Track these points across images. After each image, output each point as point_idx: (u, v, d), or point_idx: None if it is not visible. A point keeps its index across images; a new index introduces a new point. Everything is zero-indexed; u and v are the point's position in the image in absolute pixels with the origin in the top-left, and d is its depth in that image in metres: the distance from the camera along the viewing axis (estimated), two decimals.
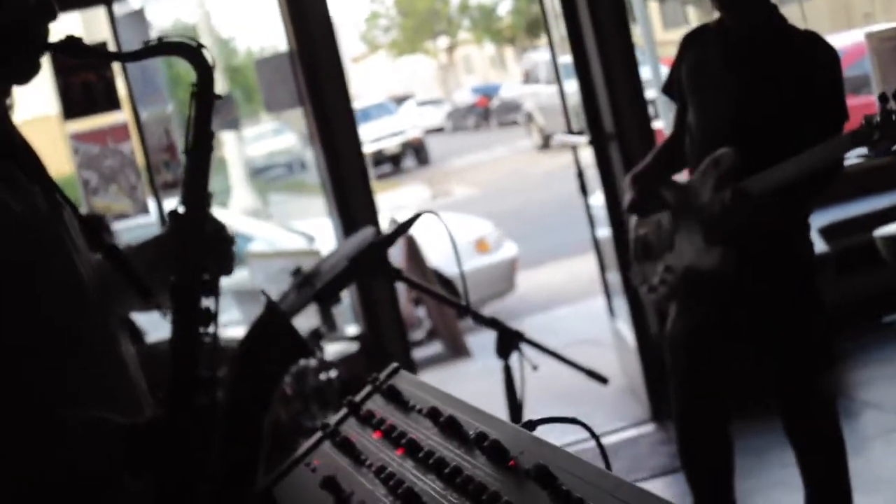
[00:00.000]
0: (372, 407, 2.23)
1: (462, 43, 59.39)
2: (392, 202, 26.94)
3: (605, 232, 7.55)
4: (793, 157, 4.38)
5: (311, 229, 11.23)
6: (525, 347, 3.89)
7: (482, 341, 11.28)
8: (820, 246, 7.42)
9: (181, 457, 2.58)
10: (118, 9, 7.13)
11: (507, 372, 3.81)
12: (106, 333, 2.68)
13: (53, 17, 2.64)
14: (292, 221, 14.54)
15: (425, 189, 28.91)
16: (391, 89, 52.44)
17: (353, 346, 5.26)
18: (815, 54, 4.60)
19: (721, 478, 5.09)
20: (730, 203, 4.45)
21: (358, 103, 36.27)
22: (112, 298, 2.75)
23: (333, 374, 5.05)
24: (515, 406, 3.85)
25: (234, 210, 20.82)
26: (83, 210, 6.71)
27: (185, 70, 2.72)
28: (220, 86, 17.87)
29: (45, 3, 2.64)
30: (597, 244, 8.05)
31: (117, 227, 9.55)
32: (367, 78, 57.86)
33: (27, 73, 2.65)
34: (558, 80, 7.99)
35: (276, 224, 14.77)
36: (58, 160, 6.84)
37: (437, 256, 11.26)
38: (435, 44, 58.72)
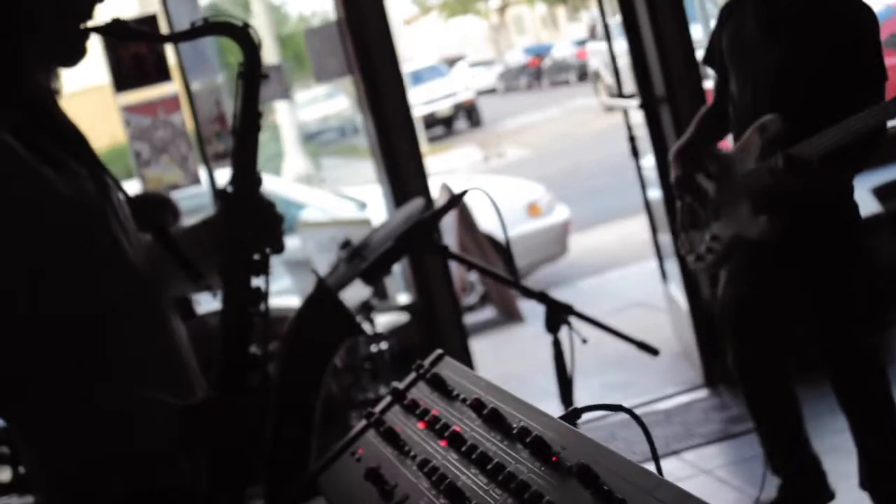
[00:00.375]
0: (416, 395, 2.23)
1: (513, 3, 59.16)
2: (444, 165, 26.93)
3: (656, 194, 7.51)
4: (837, 121, 4.33)
5: (364, 195, 11.22)
6: (574, 320, 3.87)
7: (535, 306, 11.23)
8: (874, 206, 7.36)
9: (234, 437, 2.60)
10: None
11: (557, 346, 3.80)
12: (157, 314, 2.70)
13: (100, 0, 2.65)
14: (344, 187, 14.55)
15: (477, 151, 28.85)
16: (443, 51, 52.33)
17: (403, 317, 5.27)
18: (853, 17, 4.58)
19: (793, 431, 5.15)
20: (781, 169, 4.43)
21: (410, 66, 36.26)
22: (163, 279, 2.77)
23: (384, 346, 5.06)
24: (565, 381, 3.84)
25: (286, 176, 20.82)
26: (141, 187, 6.76)
27: (230, 44, 2.73)
28: (272, 54, 17.84)
29: None
30: (648, 207, 8.01)
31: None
32: (418, 40, 57.76)
33: (74, 56, 2.66)
34: (608, 41, 7.93)
35: (328, 190, 14.78)
36: (112, 130, 6.89)
37: (490, 221, 11.25)
38: (486, 4, 58.54)
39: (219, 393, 2.65)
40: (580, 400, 7.28)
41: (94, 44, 2.72)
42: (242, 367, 2.66)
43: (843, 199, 4.79)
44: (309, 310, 2.95)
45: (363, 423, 2.31)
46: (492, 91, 45.52)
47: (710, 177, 4.90)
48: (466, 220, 10.34)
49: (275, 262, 2.84)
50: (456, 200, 3.62)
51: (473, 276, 11.07)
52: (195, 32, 2.74)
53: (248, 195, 2.73)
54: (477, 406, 2.00)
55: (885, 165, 7.96)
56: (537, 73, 44.33)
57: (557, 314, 3.74)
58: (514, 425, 1.86)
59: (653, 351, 4.01)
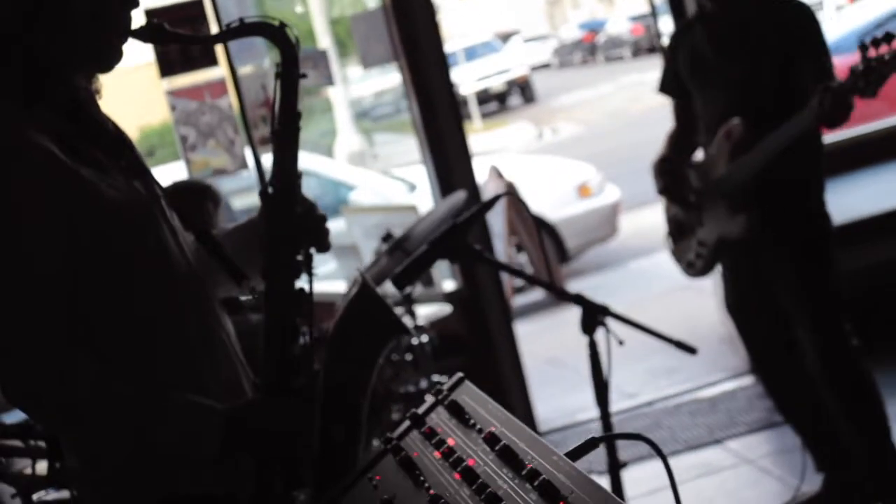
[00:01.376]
0: (434, 422, 2.24)
1: None
2: (497, 141, 26.87)
3: None
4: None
5: (413, 176, 11.22)
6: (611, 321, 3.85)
7: (584, 286, 11.22)
8: None
9: (280, 440, 2.61)
10: None
11: (593, 348, 3.77)
12: (204, 315, 2.71)
13: (135, 5, 2.66)
14: (396, 168, 14.53)
15: (531, 127, 28.77)
16: (497, 26, 52.19)
17: (446, 308, 5.25)
18: (796, 18, 4.82)
19: (819, 417, 5.20)
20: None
21: (463, 42, 36.15)
22: (210, 280, 2.78)
23: (425, 338, 5.06)
24: (601, 384, 3.82)
25: (339, 153, 20.83)
26: (186, 171, 6.78)
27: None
28: (324, 34, 17.78)
29: None
30: None
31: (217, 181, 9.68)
32: (473, 15, 57.60)
33: (110, 60, 2.68)
34: (654, 22, 7.89)
35: (380, 170, 14.77)
36: (160, 109, 6.90)
37: (538, 202, 11.23)
38: None
39: (263, 396, 2.66)
40: (626, 385, 7.29)
41: (138, 20, 2.72)
42: (287, 370, 2.66)
43: (811, 192, 4.96)
44: (353, 310, 2.94)
45: (382, 447, 2.30)
46: (546, 66, 45.34)
47: (689, 187, 5.08)
48: (515, 201, 10.32)
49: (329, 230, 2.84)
50: (489, 205, 3.61)
51: (522, 258, 11.05)
52: (231, 33, 2.75)
53: (289, 196, 2.74)
54: (491, 440, 2.00)
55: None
56: (592, 49, 44.10)
57: (593, 316, 3.72)
58: (527, 463, 1.86)
59: (690, 350, 3.99)
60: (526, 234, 10.44)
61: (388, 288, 4.87)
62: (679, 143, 5.24)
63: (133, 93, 10.50)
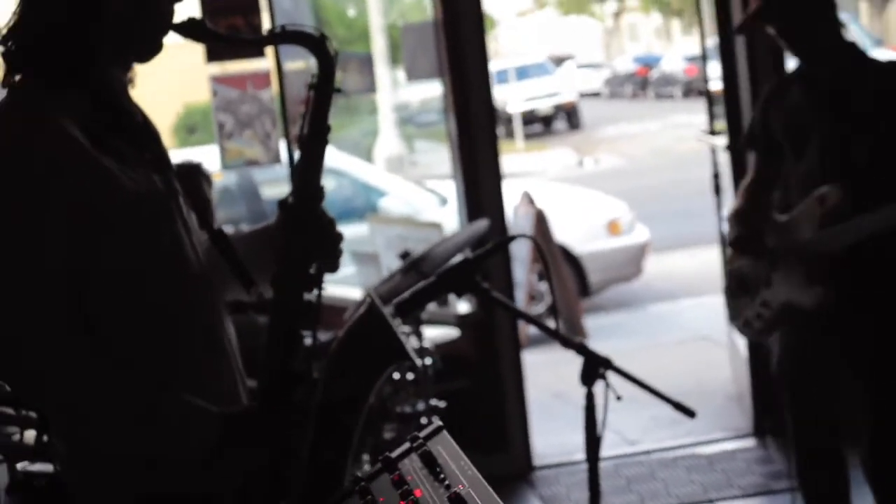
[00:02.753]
0: (406, 468, 2.21)
1: (629, 10, 58.90)
2: (538, 164, 26.86)
3: None
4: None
5: (447, 189, 11.23)
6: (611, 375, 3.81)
7: (601, 323, 11.24)
8: None
9: (271, 449, 2.59)
10: None
11: (590, 400, 3.73)
12: (209, 316, 2.70)
13: None
14: (430, 179, 14.52)
15: (572, 154, 28.76)
16: (553, 48, 52.20)
17: (453, 332, 5.22)
18: None
19: (837, 498, 5.07)
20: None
21: (517, 60, 36.16)
22: (219, 282, 2.76)
23: (429, 361, 5.03)
24: (593, 438, 3.78)
25: (377, 155, 20.85)
26: (220, 158, 6.77)
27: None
28: (380, 36, 17.78)
29: None
30: (723, 241, 7.91)
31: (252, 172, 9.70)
32: (529, 34, 57.68)
33: (149, 52, 2.67)
34: (703, 67, 7.84)
35: (414, 179, 14.78)
36: (207, 89, 6.91)
37: (566, 233, 11.21)
38: (602, 7, 58.31)
39: (260, 404, 2.64)
40: (628, 430, 7.25)
41: (193, 4, 2.72)
42: (286, 381, 2.64)
43: None
44: (358, 330, 2.92)
45: (350, 487, 2.28)
46: (596, 94, 45.34)
47: (763, 243, 4.88)
48: (543, 230, 10.30)
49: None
50: (503, 244, 3.58)
51: (543, 287, 11.02)
52: (273, 39, 2.76)
53: (310, 209, 2.72)
54: (455, 500, 1.98)
55: None
56: (643, 83, 44.07)
57: (594, 367, 3.68)
58: None
59: (689, 413, 3.94)
60: (550, 262, 10.40)
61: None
62: (756, 198, 5.02)
63: (182, 68, 10.52)
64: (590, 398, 3.73)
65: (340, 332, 2.98)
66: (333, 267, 2.79)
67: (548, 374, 8.80)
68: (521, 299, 9.63)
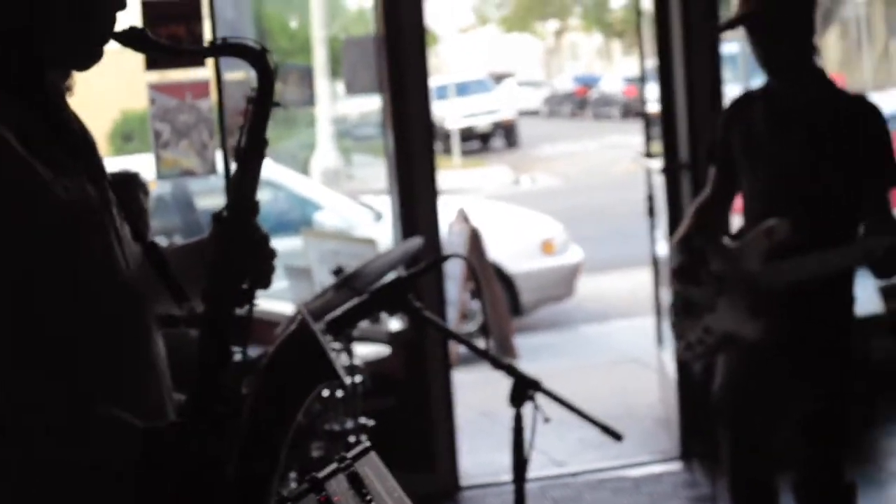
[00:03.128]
0: (332, 489, 2.22)
1: (571, 29, 59.12)
2: (473, 181, 26.90)
3: (665, 252, 7.44)
4: (846, 225, 4.49)
5: (383, 204, 11.24)
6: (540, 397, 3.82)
7: (532, 343, 11.27)
8: (877, 306, 7.34)
9: (195, 465, 2.57)
10: None
11: (518, 422, 3.74)
12: (138, 329, 2.68)
13: (122, 6, 2.64)
14: (367, 193, 14.51)
15: (509, 172, 28.83)
16: (493, 65, 52.32)
17: (385, 350, 5.21)
18: (865, 119, 4.65)
19: None
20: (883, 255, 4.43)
21: (457, 76, 36.21)
22: (151, 295, 2.75)
23: (359, 378, 5.02)
24: (520, 460, 3.79)
25: (314, 167, 20.83)
26: (155, 167, 6.73)
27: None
28: (321, 47, 17.75)
29: None
30: (656, 265, 7.95)
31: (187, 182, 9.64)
32: (471, 50, 57.79)
33: (88, 60, 2.65)
34: (641, 89, 7.88)
35: (351, 192, 14.78)
36: (139, 95, 6.88)
37: (500, 251, 11.24)
38: (544, 26, 58.49)
39: (186, 419, 2.63)
40: (555, 451, 7.27)
41: (134, 12, 2.71)
42: (214, 397, 2.63)
43: (842, 302, 4.79)
44: (288, 347, 2.90)
45: None
46: (535, 113, 45.45)
47: (710, 269, 4.86)
48: (477, 247, 10.31)
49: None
50: (436, 264, 3.59)
51: (475, 305, 11.04)
52: (213, 51, 2.72)
53: (244, 223, 2.70)
54: None
55: None
56: (582, 103, 44.28)
57: (523, 389, 3.69)
58: None
59: (616, 436, 3.95)
60: (483, 281, 10.43)
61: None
62: (707, 215, 5.01)
63: (121, 74, 10.46)
64: (518, 420, 3.74)
65: (271, 349, 2.97)
66: (266, 283, 2.78)
67: (478, 393, 8.81)
68: (452, 317, 9.63)
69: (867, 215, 4.63)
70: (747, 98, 4.95)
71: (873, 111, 4.67)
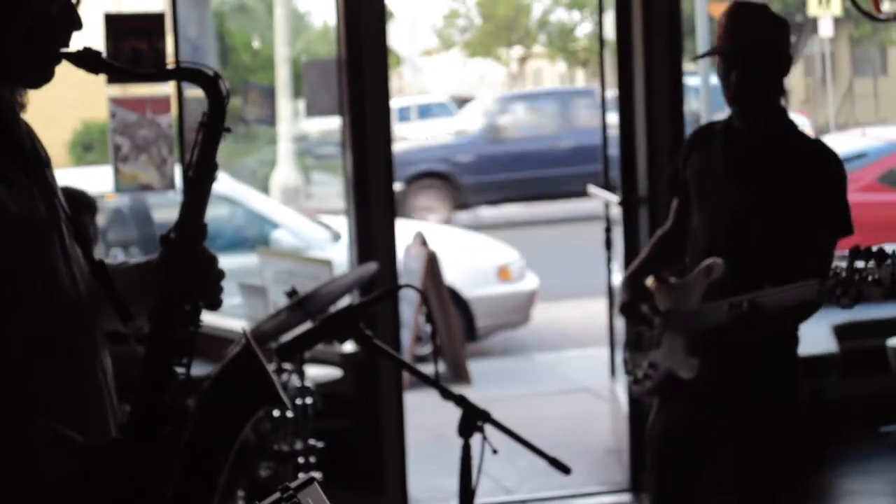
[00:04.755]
0: None
1: (535, 56, 59.22)
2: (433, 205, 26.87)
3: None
4: (791, 269, 4.44)
5: (341, 225, 11.23)
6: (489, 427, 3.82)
7: (486, 369, 11.25)
8: (831, 345, 7.37)
9: (135, 483, 2.57)
10: None
11: (466, 452, 3.74)
12: (84, 348, 2.67)
13: (78, 27, 2.64)
14: (326, 214, 14.50)
15: None
16: (457, 88, 52.35)
17: (336, 372, 5.20)
18: (821, 166, 4.65)
19: None
20: (744, 313, 4.42)
21: (420, 98, 36.20)
22: (99, 312, 2.74)
23: (309, 400, 5.01)
24: (467, 492, 3.79)
25: (274, 186, 20.79)
26: (114, 181, 6.71)
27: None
28: (284, 64, 17.74)
29: (71, 12, 2.64)
30: (611, 295, 7.96)
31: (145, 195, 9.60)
32: (434, 73, 57.85)
33: (40, 79, 2.65)
34: (603, 121, 7.90)
35: (311, 210, 14.76)
36: (100, 106, 6.86)
37: (456, 276, 11.24)
38: (508, 52, 58.57)
39: (127, 437, 2.62)
40: (505, 478, 7.27)
41: (92, 13, 2.71)
42: (156, 415, 2.62)
43: (784, 349, 4.80)
44: (231, 370, 2.90)
45: None
46: None
47: (655, 305, 4.88)
48: (433, 271, 10.31)
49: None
50: (389, 293, 3.60)
51: (430, 328, 11.02)
52: (166, 75, 2.75)
53: (192, 246, 2.71)
54: None
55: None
56: None
57: (473, 420, 3.69)
58: None
59: (564, 469, 3.95)
60: (437, 306, 10.43)
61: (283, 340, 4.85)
62: (666, 247, 5.01)
63: (83, 84, 10.43)
64: (466, 450, 3.75)
65: (214, 371, 2.97)
66: (214, 304, 2.79)
67: (430, 416, 8.76)
68: (407, 340, 9.62)
69: (806, 262, 4.59)
70: (709, 130, 4.97)
71: (832, 158, 4.68)
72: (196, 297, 2.72)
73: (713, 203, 4.76)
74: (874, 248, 4.13)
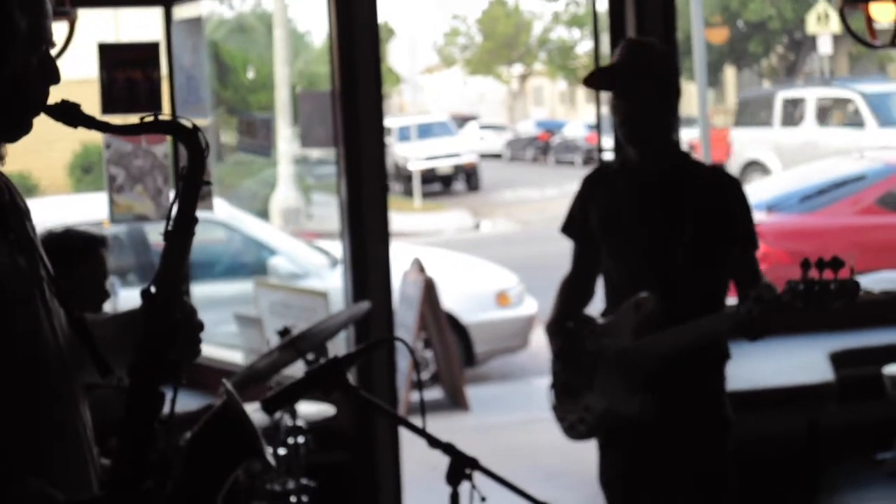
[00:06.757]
0: None
1: (536, 74, 59.38)
2: (433, 224, 26.92)
3: None
4: (713, 294, 4.65)
5: (338, 250, 11.23)
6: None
7: (484, 394, 11.23)
8: (827, 374, 7.34)
9: None
10: (177, 12, 7.11)
11: (454, 500, 3.71)
12: (64, 403, 2.66)
13: (55, 80, 2.63)
14: (325, 237, 14.52)
15: (468, 216, 28.85)
16: (457, 106, 52.48)
17: (330, 409, 5.18)
18: (724, 190, 4.76)
19: None
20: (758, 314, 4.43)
21: (420, 118, 36.24)
22: (78, 363, 2.73)
23: (302, 440, 4.99)
24: None
25: (274, 207, 20.81)
26: (109, 211, 6.70)
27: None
28: (284, 83, 17.74)
29: (49, 65, 2.63)
30: None
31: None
32: (435, 91, 57.93)
33: (17, 132, 2.64)
34: (600, 142, 7.88)
35: (307, 234, 14.76)
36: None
37: (454, 302, 11.23)
38: (509, 70, 58.72)
39: (109, 493, 2.61)
40: None
41: (90, 34, 2.69)
42: (137, 470, 2.61)
43: (715, 381, 4.86)
44: (214, 423, 2.89)
45: None
46: (497, 156, 45.52)
47: (585, 348, 4.84)
48: (431, 297, 10.31)
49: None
50: (374, 347, 3.58)
51: (429, 354, 11.01)
52: (145, 127, 2.70)
53: (170, 300, 2.69)
54: None
55: (846, 332, 7.95)
56: (545, 148, 44.34)
57: (461, 467, 3.66)
58: None
59: None
60: (436, 331, 10.42)
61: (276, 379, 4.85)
62: (574, 293, 5.03)
63: (82, 106, 10.46)
64: (454, 498, 3.72)
65: (197, 425, 2.95)
66: (192, 357, 2.78)
67: (419, 447, 8.76)
68: (404, 367, 9.61)
69: (737, 283, 4.73)
70: (604, 172, 5.04)
71: (732, 181, 4.84)
72: (175, 350, 2.70)
73: (624, 241, 4.79)
74: (826, 259, 4.16)
